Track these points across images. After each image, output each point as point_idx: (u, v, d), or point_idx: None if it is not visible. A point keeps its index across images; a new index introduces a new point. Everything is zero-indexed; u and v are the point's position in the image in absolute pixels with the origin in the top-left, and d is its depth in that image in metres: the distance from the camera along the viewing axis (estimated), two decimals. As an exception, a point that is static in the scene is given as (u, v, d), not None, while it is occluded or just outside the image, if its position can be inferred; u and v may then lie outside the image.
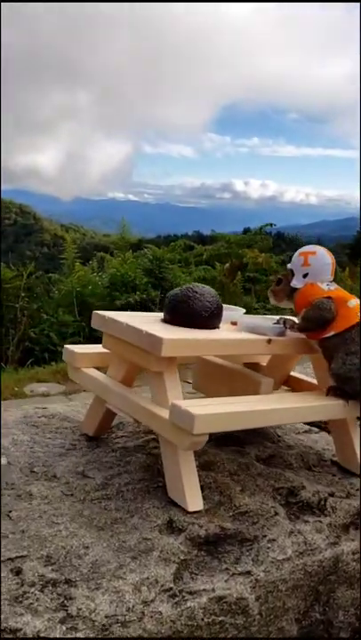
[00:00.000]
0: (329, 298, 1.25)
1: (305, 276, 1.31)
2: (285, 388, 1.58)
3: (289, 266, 1.35)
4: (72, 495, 1.13)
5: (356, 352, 1.21)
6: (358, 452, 1.34)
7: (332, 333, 1.24)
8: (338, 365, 1.22)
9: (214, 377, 1.40)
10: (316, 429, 1.59)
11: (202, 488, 1.16)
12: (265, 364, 1.51)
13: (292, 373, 1.54)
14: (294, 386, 1.52)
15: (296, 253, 1.34)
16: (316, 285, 1.29)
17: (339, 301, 1.25)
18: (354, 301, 1.27)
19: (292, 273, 1.33)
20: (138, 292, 10.13)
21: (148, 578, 0.94)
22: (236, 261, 13.67)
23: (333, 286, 1.30)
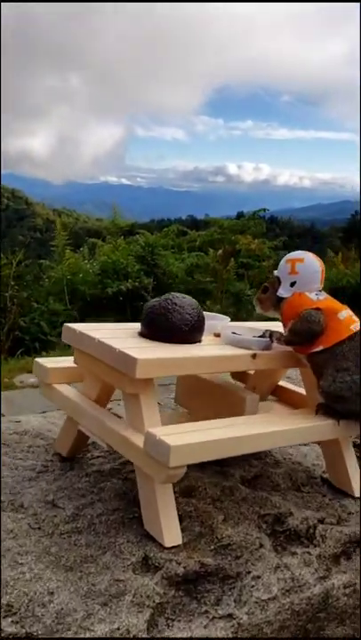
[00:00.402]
0: (318, 309, 1.16)
1: (292, 284, 1.21)
2: (273, 398, 1.49)
3: (276, 273, 1.25)
4: (39, 529, 1.04)
5: (347, 368, 1.12)
6: (351, 473, 1.26)
7: (321, 348, 1.15)
8: (328, 383, 1.13)
9: (197, 391, 1.31)
10: (306, 441, 1.50)
11: (181, 518, 1.07)
12: (253, 372, 1.42)
13: (281, 383, 1.45)
14: (282, 396, 1.44)
15: (283, 260, 1.24)
16: (305, 295, 1.19)
17: (328, 313, 1.16)
18: (345, 313, 1.17)
19: (278, 280, 1.24)
20: (130, 280, 9.99)
21: (118, 628, 0.85)
22: (229, 247, 13.55)
23: (323, 296, 1.20)
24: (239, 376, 1.47)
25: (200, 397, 1.30)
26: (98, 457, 1.30)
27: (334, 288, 14.09)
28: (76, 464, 1.27)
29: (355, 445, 1.54)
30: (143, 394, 1.04)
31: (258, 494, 1.20)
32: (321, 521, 1.15)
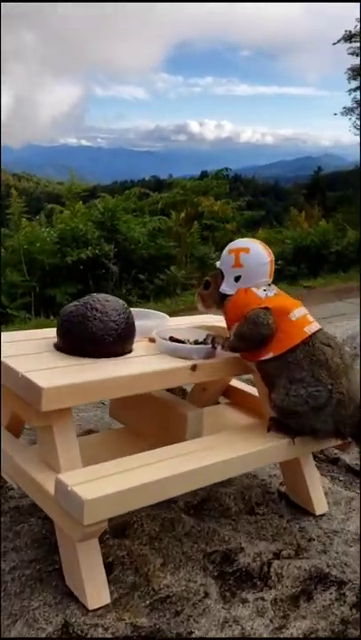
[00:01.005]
0: (266, 309, 0.98)
1: (237, 279, 1.02)
2: (225, 401, 1.32)
3: (218, 265, 1.07)
4: None
5: (302, 379, 0.94)
6: (312, 490, 1.10)
7: (271, 355, 0.97)
8: (280, 397, 0.96)
9: (133, 404, 1.12)
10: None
11: (111, 566, 0.90)
12: None
13: (233, 383, 1.28)
14: (234, 398, 1.27)
15: (225, 250, 1.05)
16: (251, 292, 1.01)
17: (279, 313, 0.98)
18: (298, 312, 0.99)
19: (221, 274, 1.05)
20: (90, 247, 9.70)
21: None
22: (192, 210, 13.29)
23: (273, 292, 1.02)
24: None
25: (137, 411, 1.12)
26: (15, 489, 1.11)
27: (298, 247, 13.96)
28: None
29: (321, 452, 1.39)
30: (57, 426, 0.85)
31: (204, 526, 1.03)
32: (277, 555, 0.99)
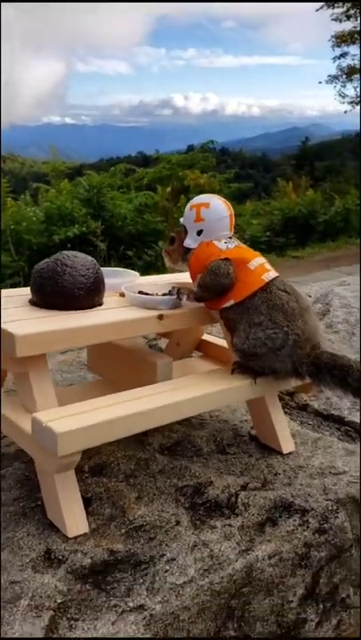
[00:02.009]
0: (227, 259, 1.04)
1: (199, 233, 1.09)
2: (198, 353, 1.39)
3: (181, 221, 1.13)
4: None
5: (260, 323, 1.01)
6: (278, 429, 1.18)
7: (231, 302, 1.04)
8: (241, 340, 1.03)
9: (108, 357, 1.20)
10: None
11: (90, 500, 0.98)
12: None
13: (206, 337, 1.35)
14: (207, 351, 1.34)
15: (187, 206, 1.11)
16: (213, 244, 1.07)
17: (238, 263, 1.05)
18: (256, 261, 1.06)
19: (185, 230, 1.11)
20: (77, 225, 9.69)
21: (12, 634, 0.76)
22: (178, 184, 13.23)
23: (233, 244, 1.09)
24: (163, 333, 1.37)
25: (111, 363, 1.19)
26: (4, 437, 1.19)
27: (286, 218, 13.91)
28: None
29: (288, 394, 1.47)
30: (33, 372, 0.92)
31: (177, 464, 1.11)
32: (244, 487, 1.07)
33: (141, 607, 0.85)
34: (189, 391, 0.98)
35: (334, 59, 17.87)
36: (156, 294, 1.11)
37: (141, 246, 9.12)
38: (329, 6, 18.42)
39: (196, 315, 1.10)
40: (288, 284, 1.07)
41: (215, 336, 1.42)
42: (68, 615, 0.82)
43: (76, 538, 0.92)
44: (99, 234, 8.54)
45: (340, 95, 16.43)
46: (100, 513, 0.98)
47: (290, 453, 1.20)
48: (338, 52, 17.19)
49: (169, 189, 12.10)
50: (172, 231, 1.16)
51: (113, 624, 0.82)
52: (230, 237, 1.10)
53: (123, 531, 0.95)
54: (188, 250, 1.10)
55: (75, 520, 0.92)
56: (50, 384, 0.95)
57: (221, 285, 1.03)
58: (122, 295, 1.12)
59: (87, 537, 0.93)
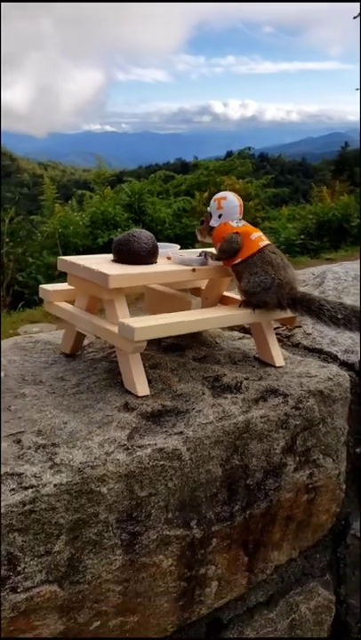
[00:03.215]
0: (237, 233, 1.64)
1: (220, 216, 1.69)
2: (221, 305, 1.99)
3: (208, 209, 1.73)
4: (54, 393, 1.55)
5: (256, 273, 1.61)
6: (272, 348, 1.76)
7: (239, 260, 1.64)
8: (244, 283, 1.63)
9: (157, 301, 1.80)
10: (248, 336, 2.01)
11: (149, 381, 1.58)
12: (204, 287, 1.91)
13: (225, 293, 1.94)
14: (226, 302, 1.93)
15: (212, 199, 1.72)
16: (228, 224, 1.67)
17: (244, 235, 1.65)
18: (256, 234, 1.66)
19: (210, 215, 1.72)
20: (119, 229, 10.41)
21: (108, 439, 1.37)
22: (215, 189, 13.85)
23: (242, 223, 1.69)
24: (195, 291, 1.96)
25: (160, 305, 1.80)
26: (92, 352, 1.81)
27: (320, 222, 14.27)
28: (77, 357, 1.77)
29: (286, 337, 2.05)
30: (116, 299, 1.54)
31: (204, 366, 1.71)
32: (247, 379, 1.66)
33: (181, 433, 1.44)
34: (212, 313, 1.59)
35: (370, 66, 18.12)
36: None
37: (180, 248, 9.76)
38: (367, 13, 18.70)
39: (217, 269, 1.70)
40: (276, 248, 1.66)
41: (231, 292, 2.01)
42: (139, 433, 1.42)
43: (142, 397, 1.52)
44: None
45: (374, 102, 16.71)
46: (156, 387, 1.58)
47: (281, 366, 1.79)
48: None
49: (206, 194, 12.69)
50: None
51: (165, 439, 1.42)
52: (240, 219, 1.70)
53: (170, 396, 1.55)
54: (212, 228, 1.71)
55: (142, 386, 1.52)
56: (126, 308, 1.56)
57: (233, 249, 1.63)
58: (168, 258, 1.73)
59: (149, 397, 1.53)
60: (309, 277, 2.50)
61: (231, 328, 2.09)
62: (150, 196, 12.31)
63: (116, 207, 11.06)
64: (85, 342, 1.86)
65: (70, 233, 9.61)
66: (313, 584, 1.86)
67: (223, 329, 2.08)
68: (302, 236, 12.43)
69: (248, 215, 12.08)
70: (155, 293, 1.82)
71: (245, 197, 12.98)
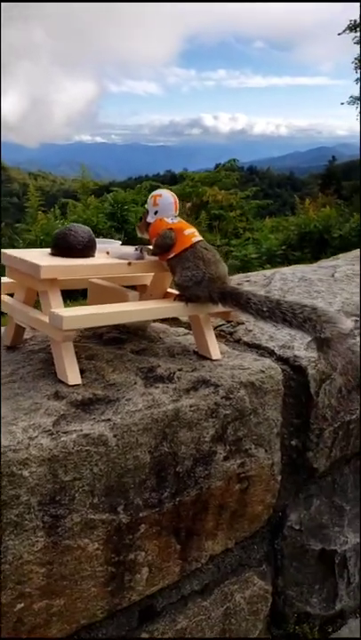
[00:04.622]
0: (171, 229, 1.70)
1: (155, 213, 1.75)
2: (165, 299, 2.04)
3: (146, 206, 1.79)
4: None
5: (188, 267, 1.67)
6: (208, 341, 1.81)
7: (172, 255, 1.69)
8: (177, 277, 1.69)
9: (98, 295, 1.85)
10: (192, 332, 2.05)
11: (83, 371, 1.63)
12: (148, 284, 1.97)
13: (169, 290, 1.99)
14: (168, 298, 1.98)
15: (149, 196, 1.77)
16: (163, 220, 1.73)
17: (178, 231, 1.70)
18: (189, 230, 1.71)
19: (147, 211, 1.77)
20: (101, 237, 10.46)
21: (34, 424, 1.41)
22: (197, 200, 13.89)
23: (177, 219, 1.74)
24: (142, 288, 2.01)
25: (101, 298, 1.84)
26: (32, 344, 1.85)
27: (302, 233, 14.41)
28: (16, 349, 1.82)
29: (229, 333, 2.10)
30: (50, 291, 1.58)
31: (140, 358, 1.76)
32: (180, 370, 1.71)
33: (109, 420, 1.48)
34: (143, 305, 1.64)
35: (356, 80, 18.40)
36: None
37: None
38: (351, 30, 19.05)
39: (152, 264, 1.76)
40: (208, 245, 1.72)
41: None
42: (66, 420, 1.46)
43: (73, 386, 1.57)
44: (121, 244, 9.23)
45: (364, 117, 16.99)
46: (89, 377, 1.62)
47: (217, 360, 1.84)
48: (360, 74, 17.72)
49: (189, 205, 12.77)
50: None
51: (92, 425, 1.46)
52: (176, 216, 1.75)
53: (102, 385, 1.60)
54: (148, 224, 1.76)
55: (73, 375, 1.56)
56: (60, 299, 1.60)
57: (167, 245, 1.69)
58: (108, 253, 1.78)
59: (80, 386, 1.57)
60: (261, 278, 2.56)
61: (178, 324, 2.14)
62: (135, 205, 12.38)
63: (99, 216, 11.14)
64: (29, 335, 1.90)
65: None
66: (249, 574, 1.90)
67: (170, 325, 2.12)
68: (283, 247, 12.54)
69: (229, 225, 12.20)
70: (96, 287, 1.86)
71: (228, 208, 13.11)
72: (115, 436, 1.47)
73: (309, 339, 1.72)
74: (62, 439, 1.39)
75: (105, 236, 9.97)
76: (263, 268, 9.81)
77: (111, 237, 9.90)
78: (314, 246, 13.00)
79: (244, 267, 10.14)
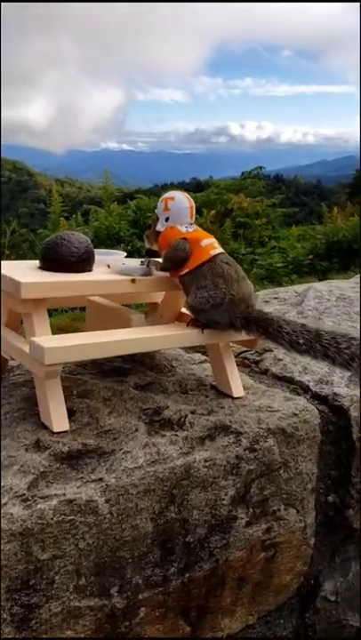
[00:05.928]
0: (184, 239, 1.39)
1: (166, 219, 1.43)
2: (178, 322, 1.73)
3: (155, 211, 1.48)
4: None
5: (205, 286, 1.35)
6: (229, 375, 1.49)
7: (186, 271, 1.38)
8: (191, 299, 1.37)
9: (97, 316, 1.54)
10: (211, 359, 1.73)
11: (74, 412, 1.32)
12: (160, 302, 1.66)
13: (183, 310, 1.68)
14: (183, 320, 1.67)
15: (159, 200, 1.46)
16: (176, 228, 1.42)
17: (193, 242, 1.39)
18: (207, 241, 1.40)
19: (157, 218, 1.46)
20: (122, 244, 10.22)
21: (3, 487, 1.10)
22: (222, 207, 13.59)
23: (192, 228, 1.43)
24: (151, 306, 1.71)
25: (99, 320, 1.54)
26: (18, 374, 1.55)
27: (330, 242, 14.07)
28: None
29: (254, 362, 1.78)
30: (34, 313, 1.28)
31: (145, 395, 1.44)
32: (193, 412, 1.39)
33: (100, 480, 1.17)
34: (148, 332, 1.32)
35: (384, 88, 18.01)
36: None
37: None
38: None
39: (162, 281, 1.44)
40: (230, 258, 1.40)
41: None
42: (47, 480, 1.16)
43: (59, 433, 1.26)
44: (143, 252, 8.98)
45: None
46: (79, 420, 1.32)
47: (239, 397, 1.52)
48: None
49: (213, 212, 12.48)
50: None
51: (78, 487, 1.15)
52: (191, 224, 1.44)
53: (95, 432, 1.29)
54: (158, 232, 1.45)
55: (59, 419, 1.26)
56: (47, 323, 1.30)
57: (179, 258, 1.38)
58: (108, 267, 1.48)
59: (67, 434, 1.26)
60: (291, 295, 2.23)
61: (194, 350, 1.83)
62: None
63: (122, 222, 10.91)
64: (16, 362, 1.60)
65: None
66: (274, 657, 1.57)
67: (185, 350, 1.81)
68: (310, 257, 12.18)
69: (255, 233, 11.85)
70: (95, 307, 1.56)
71: (253, 216, 12.79)
72: (107, 501, 1.16)
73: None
74: (39, 506, 1.09)
75: (126, 244, 9.73)
76: (289, 278, 9.45)
77: (132, 245, 9.67)
78: (342, 256, 12.60)
79: (270, 276, 9.80)
